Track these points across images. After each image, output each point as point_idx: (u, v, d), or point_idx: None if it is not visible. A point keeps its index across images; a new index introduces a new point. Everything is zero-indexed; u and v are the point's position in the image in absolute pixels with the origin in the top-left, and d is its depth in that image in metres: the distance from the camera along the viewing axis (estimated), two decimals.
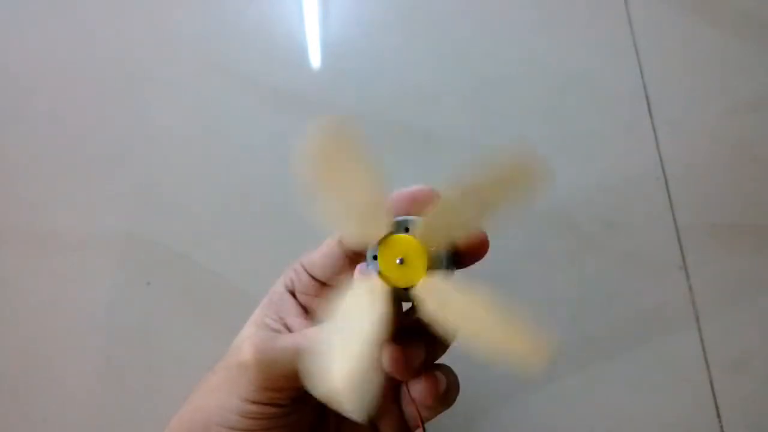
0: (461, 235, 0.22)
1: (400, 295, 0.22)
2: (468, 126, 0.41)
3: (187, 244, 0.39)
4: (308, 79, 0.43)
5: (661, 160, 0.40)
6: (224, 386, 0.25)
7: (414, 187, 0.24)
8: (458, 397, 0.26)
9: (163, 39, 0.45)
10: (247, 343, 0.25)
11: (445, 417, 0.27)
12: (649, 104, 0.42)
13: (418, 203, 0.23)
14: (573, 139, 0.41)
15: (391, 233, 0.22)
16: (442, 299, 0.21)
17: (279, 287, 0.30)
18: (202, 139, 0.42)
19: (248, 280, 0.38)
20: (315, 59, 0.44)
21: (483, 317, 0.20)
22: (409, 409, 0.28)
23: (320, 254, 0.28)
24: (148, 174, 0.41)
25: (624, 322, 0.36)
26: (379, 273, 0.22)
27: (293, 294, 0.29)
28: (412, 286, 0.21)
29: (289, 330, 0.27)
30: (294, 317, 0.28)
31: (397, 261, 0.22)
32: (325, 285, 0.29)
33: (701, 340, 0.36)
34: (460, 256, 0.24)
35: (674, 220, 0.39)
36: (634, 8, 0.44)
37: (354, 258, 0.27)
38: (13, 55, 0.44)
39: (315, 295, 0.29)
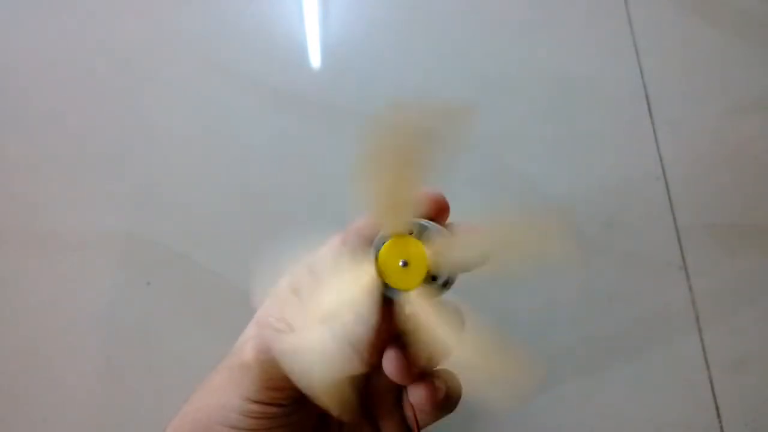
0: (468, 270, 0.22)
1: (385, 293, 0.22)
2: (468, 126, 0.41)
3: (187, 244, 0.39)
4: (308, 79, 0.43)
5: (661, 160, 0.40)
6: (226, 386, 0.26)
7: (437, 192, 0.24)
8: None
9: (164, 39, 0.45)
10: (250, 342, 0.25)
11: (446, 417, 0.27)
12: (649, 104, 0.42)
13: (440, 209, 0.23)
14: (573, 140, 0.41)
15: (410, 233, 0.22)
16: (426, 319, 0.21)
17: (283, 286, 0.30)
18: (202, 139, 0.42)
19: (248, 279, 0.38)
20: (315, 59, 0.44)
21: (465, 348, 0.20)
22: (409, 413, 0.28)
23: (324, 253, 0.28)
24: (148, 174, 0.41)
25: (624, 323, 0.36)
26: (377, 258, 0.22)
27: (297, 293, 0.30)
28: (401, 291, 0.22)
29: (293, 330, 0.27)
30: (298, 317, 0.28)
31: (401, 263, 0.22)
32: None
33: (701, 340, 0.36)
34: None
35: (674, 220, 0.39)
36: (634, 8, 0.44)
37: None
38: (13, 55, 0.44)
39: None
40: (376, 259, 0.22)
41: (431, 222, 0.23)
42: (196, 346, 0.36)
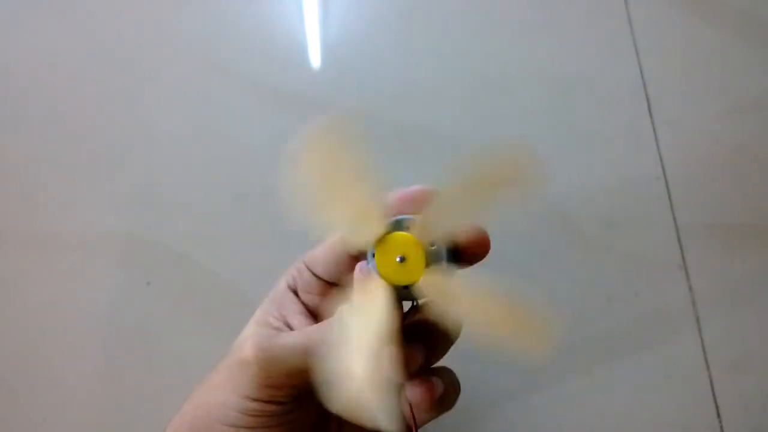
0: (459, 231, 0.22)
1: (401, 294, 0.22)
2: (468, 126, 0.41)
3: (187, 244, 0.39)
4: (308, 79, 0.43)
5: (661, 160, 0.40)
6: (226, 384, 0.26)
7: (412, 188, 0.24)
8: (459, 396, 0.26)
9: (164, 39, 0.45)
10: (249, 341, 0.25)
11: (445, 416, 0.27)
12: (649, 104, 0.42)
13: (416, 203, 0.23)
14: (573, 139, 0.41)
15: (388, 232, 0.22)
16: (445, 293, 0.21)
17: (281, 286, 0.30)
18: (202, 139, 0.42)
19: (248, 280, 0.38)
20: (315, 59, 0.44)
21: (487, 308, 0.20)
22: (406, 411, 0.28)
23: (322, 252, 0.28)
24: (148, 174, 0.41)
25: (624, 322, 0.36)
26: (378, 272, 0.22)
27: (296, 293, 0.29)
28: (413, 284, 0.21)
29: (291, 329, 0.27)
30: (296, 315, 0.28)
31: (397, 259, 0.22)
32: (328, 283, 0.29)
33: (701, 340, 0.36)
34: (461, 252, 0.24)
35: (674, 220, 0.39)
36: (634, 8, 0.44)
37: (358, 255, 0.27)
38: (13, 55, 0.44)
39: (318, 293, 0.29)
40: (378, 271, 0.22)
41: (406, 215, 0.22)
42: (196, 346, 0.36)
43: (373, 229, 0.22)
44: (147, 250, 0.39)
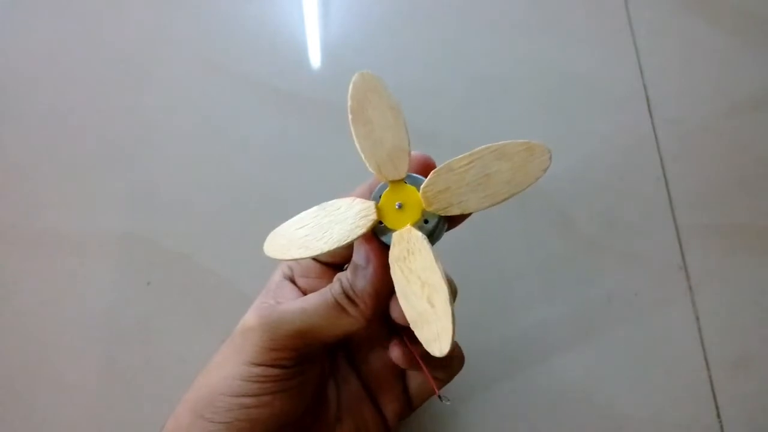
0: (460, 207, 0.24)
1: (377, 230, 0.25)
2: (468, 125, 0.41)
3: (187, 244, 0.39)
4: (308, 79, 0.43)
5: (661, 160, 0.40)
6: (229, 357, 0.26)
7: (424, 154, 0.26)
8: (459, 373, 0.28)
9: (164, 39, 0.45)
10: (250, 313, 0.26)
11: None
12: (649, 104, 0.42)
13: (427, 166, 0.26)
14: (573, 139, 0.41)
15: (404, 180, 0.25)
16: (407, 252, 0.23)
17: (276, 277, 0.31)
18: (202, 138, 0.42)
19: (248, 280, 0.38)
20: (315, 59, 0.44)
21: (419, 289, 0.23)
22: (415, 383, 0.30)
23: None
24: (148, 174, 0.41)
25: (624, 322, 0.36)
26: (377, 204, 0.24)
27: (292, 281, 0.30)
28: (393, 229, 0.24)
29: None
30: (292, 292, 0.28)
31: (396, 205, 0.24)
32: (325, 265, 0.30)
33: (701, 339, 0.36)
34: (454, 225, 0.27)
35: (674, 220, 0.39)
36: (634, 8, 0.44)
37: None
38: (13, 55, 0.44)
39: (317, 276, 0.30)
40: (376, 204, 0.24)
41: (419, 176, 0.25)
42: (196, 346, 0.36)
43: (395, 171, 0.24)
44: (147, 250, 0.39)
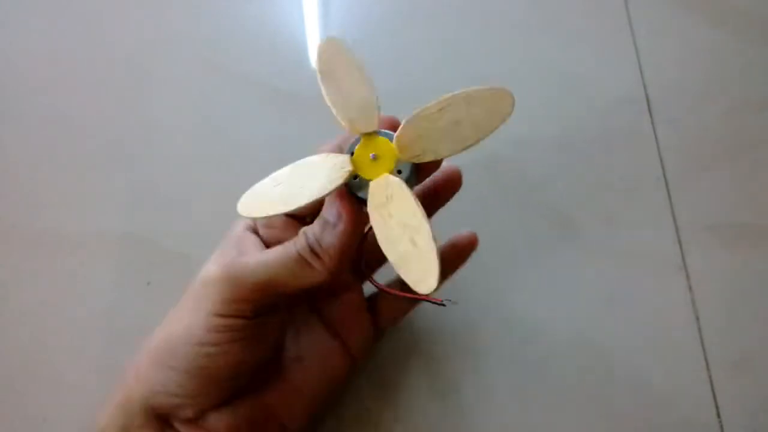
0: (433, 153, 0.25)
1: (351, 185, 0.25)
2: None
3: (187, 244, 0.39)
4: (308, 79, 0.43)
5: (661, 160, 0.40)
6: (190, 308, 0.26)
7: (391, 116, 0.27)
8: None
9: (163, 38, 0.45)
10: (213, 264, 0.26)
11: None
12: (649, 104, 0.42)
13: (398, 127, 0.26)
14: (573, 139, 0.41)
15: (375, 132, 0.25)
16: (386, 198, 0.24)
17: (238, 228, 0.31)
18: (202, 138, 0.42)
19: None
20: (315, 59, 0.44)
21: (401, 232, 0.23)
22: (385, 311, 0.31)
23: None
24: (148, 174, 0.41)
25: (623, 322, 0.36)
26: (352, 155, 0.25)
27: (255, 232, 0.30)
28: (370, 180, 0.25)
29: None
30: (255, 252, 0.28)
31: (371, 156, 0.25)
32: (289, 217, 0.30)
33: (701, 340, 0.36)
34: (425, 175, 0.28)
35: (674, 220, 0.39)
36: (634, 8, 0.44)
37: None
38: (13, 55, 0.44)
39: (280, 228, 0.30)
40: (351, 155, 0.25)
41: (389, 132, 0.26)
42: None
43: (366, 124, 0.25)
44: (147, 250, 0.39)
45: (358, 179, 0.25)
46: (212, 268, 0.26)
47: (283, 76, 0.43)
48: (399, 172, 0.25)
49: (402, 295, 0.29)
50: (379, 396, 0.35)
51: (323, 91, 0.26)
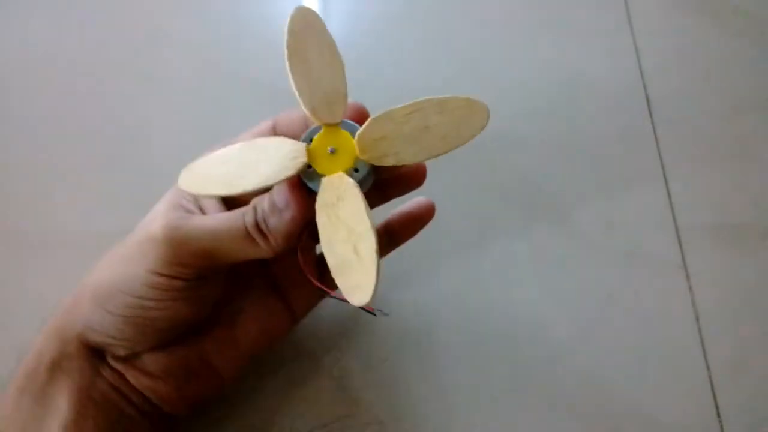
0: (395, 157, 0.24)
1: (306, 175, 0.24)
2: None
3: None
4: None
5: (661, 160, 0.40)
6: (132, 257, 0.26)
7: (358, 102, 0.26)
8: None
9: (163, 38, 0.45)
10: (160, 219, 0.26)
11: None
12: (649, 104, 0.42)
13: (361, 115, 0.26)
14: (572, 139, 0.41)
15: (338, 124, 0.24)
16: (337, 198, 0.23)
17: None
18: (202, 138, 0.42)
19: None
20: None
21: (345, 236, 0.22)
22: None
23: (251, 137, 0.29)
24: (148, 174, 0.41)
25: (623, 322, 0.36)
26: (308, 145, 0.24)
27: None
28: (323, 175, 0.23)
29: (204, 213, 0.28)
30: (211, 201, 0.28)
31: (329, 150, 0.24)
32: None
33: (701, 340, 0.36)
34: (384, 178, 0.27)
35: (674, 220, 0.39)
36: (634, 8, 0.44)
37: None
38: (13, 55, 0.44)
39: None
40: (308, 145, 0.24)
41: (354, 123, 0.25)
42: None
43: (330, 114, 0.24)
44: None
45: (312, 169, 0.24)
46: (157, 225, 0.26)
47: (283, 76, 0.43)
48: (356, 170, 0.24)
49: (332, 295, 0.27)
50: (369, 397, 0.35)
51: (288, 70, 0.23)
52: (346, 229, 0.22)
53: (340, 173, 0.23)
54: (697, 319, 0.36)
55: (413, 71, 0.43)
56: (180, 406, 0.29)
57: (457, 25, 0.45)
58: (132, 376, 0.28)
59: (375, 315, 0.27)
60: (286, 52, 0.24)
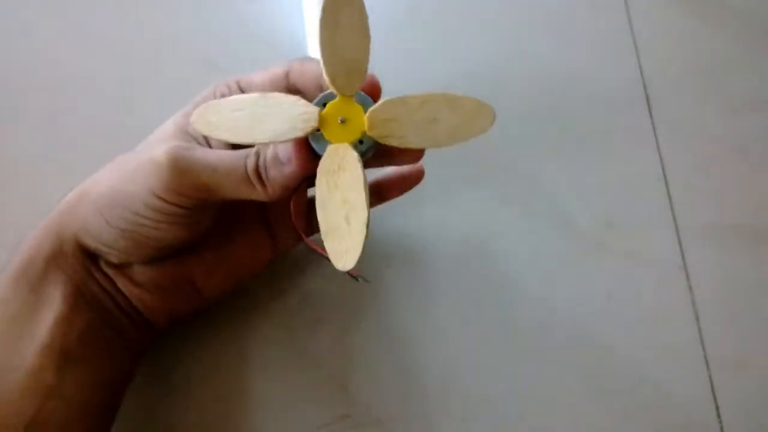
0: (399, 140, 0.25)
1: (313, 139, 0.25)
2: None
3: None
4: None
5: (661, 160, 0.40)
6: (136, 176, 0.27)
7: (373, 75, 0.27)
8: None
9: (163, 38, 0.45)
10: (165, 146, 0.27)
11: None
12: (649, 104, 0.42)
13: (375, 88, 0.27)
14: (573, 139, 0.41)
15: (353, 96, 0.25)
16: (338, 166, 0.24)
17: (209, 96, 0.31)
18: None
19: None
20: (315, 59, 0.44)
21: (340, 204, 0.23)
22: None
23: (262, 78, 0.30)
24: None
25: (623, 322, 0.36)
26: (321, 110, 0.25)
27: None
28: (330, 142, 0.25)
29: (209, 144, 0.29)
30: (207, 151, 0.29)
31: (339, 119, 0.25)
32: None
33: (701, 339, 0.36)
34: (383, 157, 0.28)
35: (674, 220, 0.39)
36: (634, 8, 0.44)
37: (294, 93, 0.28)
38: (12, 54, 0.44)
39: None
40: (320, 110, 0.25)
41: (370, 98, 0.26)
42: (195, 345, 0.36)
43: (348, 85, 0.25)
44: None
45: (319, 132, 0.25)
46: (162, 148, 0.26)
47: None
48: (360, 142, 0.25)
49: (318, 252, 0.28)
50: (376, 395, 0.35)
51: (317, 33, 0.24)
52: (341, 197, 0.24)
53: (346, 144, 0.24)
54: (697, 319, 0.36)
55: (413, 72, 0.43)
56: (161, 317, 0.31)
57: (458, 26, 0.45)
58: (121, 283, 0.30)
59: (357, 281, 0.29)
60: (320, 13, 0.24)
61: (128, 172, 0.28)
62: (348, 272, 0.27)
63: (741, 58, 0.43)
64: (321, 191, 0.24)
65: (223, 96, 0.30)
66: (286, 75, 0.29)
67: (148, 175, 0.26)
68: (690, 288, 0.37)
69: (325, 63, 0.24)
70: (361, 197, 0.23)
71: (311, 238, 0.30)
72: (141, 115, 0.43)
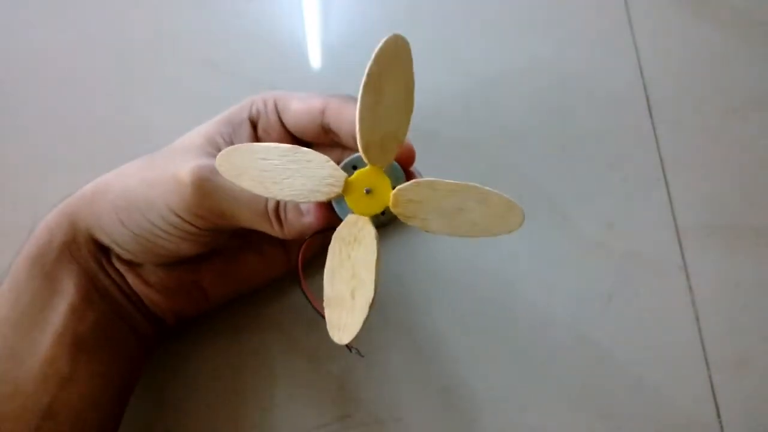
0: (422, 222, 0.24)
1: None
2: (468, 125, 0.41)
3: None
4: (308, 79, 0.43)
5: (661, 159, 0.40)
6: (158, 187, 0.27)
7: (408, 142, 0.27)
8: None
9: (163, 38, 0.45)
10: (191, 163, 0.27)
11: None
12: (649, 104, 0.42)
13: (410, 157, 0.27)
14: (572, 139, 0.41)
15: (382, 168, 0.24)
16: (354, 238, 0.24)
17: (243, 113, 0.31)
18: None
19: None
20: (315, 59, 0.44)
21: (348, 277, 0.23)
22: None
23: (299, 107, 0.30)
24: None
25: (623, 323, 0.36)
26: (348, 176, 0.24)
27: (254, 125, 0.31)
28: (352, 211, 0.24)
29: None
30: None
31: (365, 189, 0.24)
32: (288, 134, 0.31)
33: (701, 339, 0.36)
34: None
35: (674, 220, 0.39)
36: (634, 8, 0.44)
37: (327, 132, 0.29)
38: (12, 54, 0.44)
39: (276, 138, 0.30)
40: (348, 175, 0.24)
41: (401, 169, 0.25)
42: (195, 344, 0.36)
43: (381, 156, 0.24)
44: None
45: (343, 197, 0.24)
46: (186, 169, 0.26)
47: (283, 76, 0.43)
48: (382, 213, 0.24)
49: (319, 313, 0.27)
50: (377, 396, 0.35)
51: (359, 98, 0.23)
52: (351, 270, 0.23)
53: (366, 218, 0.24)
54: (697, 319, 0.36)
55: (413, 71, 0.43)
56: (168, 315, 0.32)
57: (458, 26, 0.45)
58: (131, 280, 0.30)
59: (351, 352, 0.28)
60: (364, 78, 0.23)
61: (150, 180, 0.27)
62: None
63: (741, 59, 0.43)
64: (332, 258, 0.23)
65: (258, 112, 0.30)
66: (322, 112, 0.29)
67: (170, 190, 0.26)
68: (690, 288, 0.37)
69: (360, 131, 0.23)
70: (371, 276, 0.23)
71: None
72: (141, 115, 0.43)
